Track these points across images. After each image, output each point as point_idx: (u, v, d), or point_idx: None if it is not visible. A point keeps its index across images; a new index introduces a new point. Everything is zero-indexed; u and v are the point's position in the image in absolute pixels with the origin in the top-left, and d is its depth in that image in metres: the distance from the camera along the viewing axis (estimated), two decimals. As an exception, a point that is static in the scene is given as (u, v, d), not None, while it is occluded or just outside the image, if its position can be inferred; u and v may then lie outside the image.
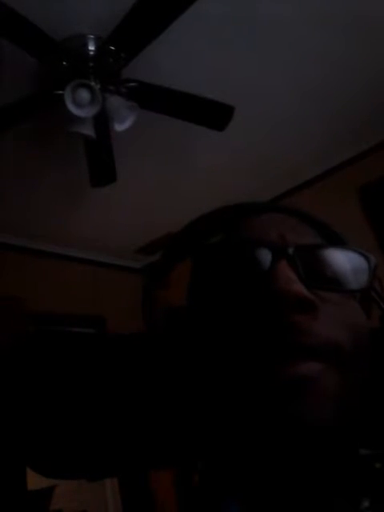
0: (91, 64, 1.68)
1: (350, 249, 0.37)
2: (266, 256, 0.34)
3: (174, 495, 2.54)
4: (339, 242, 0.42)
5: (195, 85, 1.91)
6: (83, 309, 3.05)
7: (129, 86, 1.77)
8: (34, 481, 2.11)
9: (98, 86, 1.66)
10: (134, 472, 0.48)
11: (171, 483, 2.59)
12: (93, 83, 1.63)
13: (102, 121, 1.82)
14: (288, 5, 1.71)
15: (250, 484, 0.35)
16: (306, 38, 1.88)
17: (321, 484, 0.33)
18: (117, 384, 0.41)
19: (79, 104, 1.60)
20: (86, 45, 1.67)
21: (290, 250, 0.34)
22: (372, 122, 2.51)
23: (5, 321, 2.33)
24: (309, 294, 0.32)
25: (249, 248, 0.36)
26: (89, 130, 1.72)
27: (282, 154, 2.64)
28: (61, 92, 1.63)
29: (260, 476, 0.34)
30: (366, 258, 0.36)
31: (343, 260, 0.36)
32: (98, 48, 1.67)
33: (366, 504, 0.32)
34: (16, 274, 2.76)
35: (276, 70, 2.03)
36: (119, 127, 1.78)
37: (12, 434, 0.41)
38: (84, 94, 1.59)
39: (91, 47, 1.68)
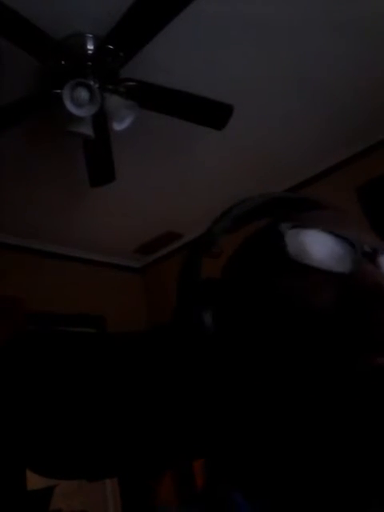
0: (90, 63, 1.68)
1: None
2: (348, 251, 0.35)
3: (173, 495, 2.54)
4: None
5: (194, 84, 1.91)
6: (83, 309, 3.05)
7: (128, 85, 1.77)
8: (34, 481, 2.11)
9: (97, 86, 1.66)
10: (134, 472, 0.48)
11: (171, 483, 2.59)
12: (91, 82, 1.63)
13: (101, 120, 1.82)
14: (287, 5, 1.70)
15: (259, 481, 0.35)
16: (305, 38, 1.88)
17: (333, 482, 0.33)
18: (117, 384, 0.41)
19: (78, 103, 1.59)
20: (84, 44, 1.67)
21: (373, 249, 0.35)
22: (370, 122, 2.51)
23: (5, 321, 2.33)
24: None
25: (338, 240, 0.35)
26: (88, 130, 1.72)
27: (280, 153, 2.64)
28: (59, 91, 1.63)
29: (270, 474, 0.34)
30: None
31: None
32: (96, 47, 1.66)
33: (374, 502, 0.32)
34: (16, 274, 2.76)
35: (274, 70, 2.02)
36: (118, 126, 1.78)
37: (11, 434, 0.41)
38: (83, 94, 1.59)
39: (90, 46, 1.67)
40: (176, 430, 0.38)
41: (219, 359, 0.36)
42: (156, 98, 1.84)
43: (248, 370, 0.35)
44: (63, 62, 1.67)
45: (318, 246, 0.35)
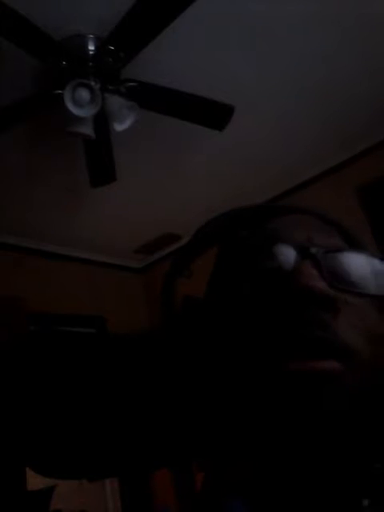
0: (91, 64, 1.68)
1: (372, 254, 0.38)
2: (291, 254, 0.35)
3: (173, 495, 2.54)
4: (360, 247, 0.43)
5: (195, 85, 1.91)
6: (83, 309, 3.05)
7: (128, 85, 1.77)
8: (34, 481, 2.11)
9: (98, 86, 1.66)
10: (134, 472, 0.48)
11: (171, 483, 2.59)
12: (92, 83, 1.63)
13: (102, 121, 1.82)
14: (288, 6, 1.71)
15: (254, 482, 0.35)
16: (305, 39, 1.88)
17: (323, 483, 0.33)
18: (117, 384, 0.41)
19: (79, 104, 1.60)
20: (85, 45, 1.67)
21: (315, 250, 0.35)
22: (371, 122, 2.51)
23: (5, 321, 2.33)
24: (332, 292, 0.33)
25: (275, 244, 0.37)
26: (88, 130, 1.72)
27: (281, 153, 2.64)
28: (60, 92, 1.63)
29: (265, 475, 0.35)
30: None
31: (365, 265, 0.37)
32: (97, 48, 1.67)
33: (365, 503, 0.32)
34: (16, 274, 2.76)
35: (275, 71, 2.03)
36: (119, 127, 1.78)
37: (12, 434, 0.41)
38: (84, 94, 1.59)
39: (91, 47, 1.68)
40: (174, 430, 0.39)
41: (199, 366, 0.38)
42: (157, 99, 1.84)
43: (219, 374, 0.36)
44: (64, 63, 1.67)
45: (270, 252, 0.37)
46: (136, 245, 3.43)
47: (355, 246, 0.42)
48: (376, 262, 0.37)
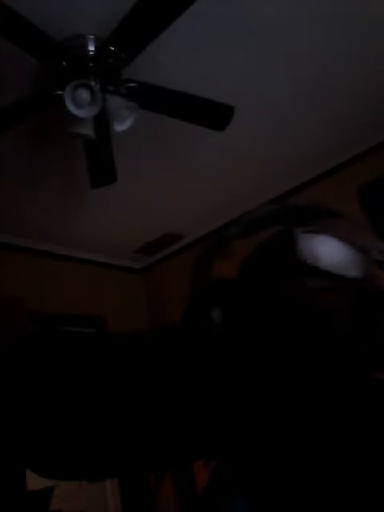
0: (91, 64, 1.68)
1: None
2: (359, 258, 0.36)
3: (173, 495, 2.53)
4: None
5: (195, 85, 1.91)
6: (83, 309, 3.05)
7: (129, 86, 1.77)
8: (34, 481, 2.11)
9: (98, 87, 1.66)
10: (134, 472, 0.48)
11: (171, 483, 2.59)
12: (93, 83, 1.63)
13: (102, 121, 1.82)
14: (288, 5, 1.71)
15: (256, 481, 0.35)
16: (306, 39, 1.88)
17: (326, 483, 0.33)
18: (117, 384, 0.41)
19: (79, 104, 1.60)
20: (85, 45, 1.67)
21: (378, 255, 0.36)
22: (371, 122, 2.51)
23: (5, 321, 2.33)
24: None
25: (350, 247, 0.37)
26: (89, 131, 1.72)
27: (281, 154, 2.64)
28: (61, 92, 1.63)
29: (266, 474, 0.34)
30: None
31: None
32: (97, 48, 1.67)
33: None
34: (16, 274, 2.76)
35: (276, 71, 2.03)
36: (119, 128, 1.78)
37: (12, 435, 0.41)
38: (84, 95, 1.59)
39: (91, 47, 1.68)
40: (176, 431, 0.38)
41: (226, 358, 0.36)
42: (157, 99, 1.84)
43: (253, 369, 0.35)
44: (64, 63, 1.67)
45: (330, 252, 0.36)
46: (136, 245, 3.43)
47: None
48: None
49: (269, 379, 0.34)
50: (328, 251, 0.36)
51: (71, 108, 1.59)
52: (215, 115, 1.93)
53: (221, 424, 0.36)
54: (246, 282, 0.40)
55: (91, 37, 1.67)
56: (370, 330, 0.32)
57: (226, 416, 0.36)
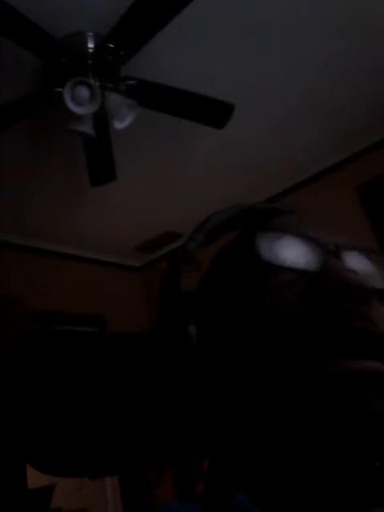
0: (90, 61, 1.68)
1: (375, 251, 0.39)
2: (315, 250, 0.36)
3: (174, 495, 2.54)
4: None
5: (195, 83, 1.90)
6: (83, 308, 3.05)
7: (128, 83, 1.77)
8: (35, 479, 2.11)
9: (98, 84, 1.66)
10: (135, 471, 0.48)
11: (171, 483, 2.60)
12: (92, 81, 1.62)
13: (102, 119, 1.82)
14: (287, 4, 1.70)
15: (259, 478, 0.35)
16: (304, 37, 1.88)
17: (329, 481, 0.33)
18: (117, 383, 0.41)
19: (78, 102, 1.59)
20: (85, 42, 1.67)
21: (336, 247, 0.36)
22: (370, 121, 2.51)
23: (6, 320, 2.33)
24: (369, 285, 0.34)
25: (305, 241, 0.37)
26: (88, 128, 1.72)
27: (280, 152, 2.64)
28: (60, 90, 1.63)
29: (270, 471, 0.34)
30: None
31: (375, 261, 0.38)
32: (97, 45, 1.66)
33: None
34: (16, 274, 2.76)
35: (275, 69, 2.02)
36: (119, 125, 1.78)
37: (13, 432, 0.41)
38: (83, 92, 1.59)
39: (91, 45, 1.67)
40: (173, 429, 0.39)
41: (204, 365, 0.37)
42: (157, 97, 1.84)
43: (230, 372, 0.36)
44: (64, 61, 1.67)
45: (287, 248, 0.37)
46: (136, 243, 3.43)
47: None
48: (380, 258, 0.38)
49: (245, 379, 0.35)
50: (284, 248, 0.37)
51: (71, 105, 1.59)
52: (215, 113, 1.93)
53: (209, 422, 0.37)
54: (212, 290, 0.41)
55: (90, 34, 1.67)
56: (331, 321, 0.32)
57: (212, 414, 0.36)
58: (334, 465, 0.33)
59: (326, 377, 0.31)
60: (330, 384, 0.31)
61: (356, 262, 0.37)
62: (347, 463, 0.33)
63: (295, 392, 0.32)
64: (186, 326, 0.38)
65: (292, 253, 0.36)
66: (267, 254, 0.37)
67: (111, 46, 1.61)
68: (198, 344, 0.38)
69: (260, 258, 0.37)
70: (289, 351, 0.33)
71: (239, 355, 0.35)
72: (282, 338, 0.33)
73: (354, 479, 0.33)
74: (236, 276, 0.39)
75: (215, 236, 0.44)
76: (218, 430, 0.37)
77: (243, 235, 0.42)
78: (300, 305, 0.34)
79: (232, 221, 0.44)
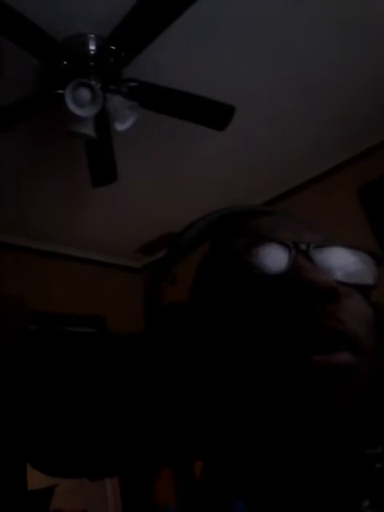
0: (92, 63, 1.68)
1: (358, 248, 0.39)
2: (283, 251, 0.36)
3: (174, 495, 2.54)
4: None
5: (196, 85, 1.91)
6: (83, 309, 3.05)
7: (129, 85, 1.77)
8: (35, 480, 2.11)
9: (99, 86, 1.66)
10: (135, 471, 0.48)
11: (171, 483, 2.59)
12: (93, 83, 1.63)
13: (103, 121, 1.82)
14: (288, 5, 1.71)
15: (255, 482, 0.35)
16: (305, 39, 1.88)
17: (325, 482, 0.33)
18: (117, 383, 0.41)
19: (80, 104, 1.60)
20: (86, 44, 1.67)
21: (304, 246, 0.36)
22: (371, 122, 2.51)
23: (5, 320, 2.33)
24: (335, 283, 0.34)
25: (266, 243, 0.37)
26: (89, 130, 1.72)
27: (281, 153, 2.64)
28: (61, 92, 1.63)
29: (265, 474, 0.35)
30: (374, 256, 0.39)
31: (354, 257, 0.38)
32: (98, 47, 1.67)
33: (366, 503, 0.32)
34: (16, 274, 2.76)
35: (276, 71, 2.03)
36: (120, 127, 1.78)
37: (13, 433, 0.41)
38: (85, 94, 1.59)
39: (92, 47, 1.68)
40: (175, 430, 0.39)
41: (192, 373, 0.37)
42: (158, 99, 1.84)
43: (214, 377, 0.36)
44: (65, 63, 1.67)
45: (259, 252, 0.37)
46: (137, 244, 3.43)
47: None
48: (362, 255, 0.38)
49: (227, 382, 0.36)
50: (255, 251, 0.37)
51: (72, 107, 1.59)
52: (216, 115, 1.93)
53: (204, 424, 0.37)
54: (194, 300, 0.42)
55: (92, 36, 1.67)
56: (299, 322, 0.33)
57: (206, 416, 0.37)
58: (320, 460, 0.33)
59: (301, 374, 0.32)
60: (306, 381, 0.32)
61: (331, 259, 0.37)
62: (333, 458, 0.33)
63: (273, 393, 0.33)
64: (174, 337, 0.39)
65: (262, 256, 0.37)
66: (239, 258, 0.37)
67: (113, 47, 1.61)
68: (188, 348, 0.38)
69: (233, 264, 0.37)
70: (261, 356, 0.33)
71: (219, 361, 0.36)
72: (254, 344, 0.34)
73: (342, 474, 0.33)
74: (212, 283, 0.39)
75: (191, 248, 0.44)
76: (212, 432, 0.37)
77: (218, 241, 0.42)
78: (270, 308, 0.34)
79: (204, 231, 0.44)
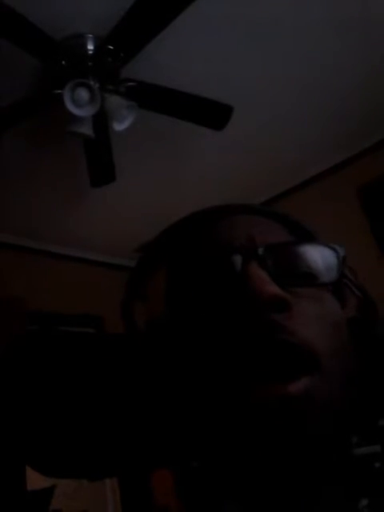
0: (90, 63, 1.68)
1: (318, 243, 0.37)
2: (236, 259, 0.34)
3: (174, 495, 2.53)
4: (310, 238, 0.42)
5: (194, 84, 1.91)
6: (82, 309, 3.05)
7: (128, 85, 1.77)
8: (34, 481, 2.11)
9: (97, 86, 1.66)
10: (134, 472, 0.48)
11: (171, 483, 2.59)
12: (92, 83, 1.63)
13: (101, 120, 1.82)
14: (287, 5, 1.71)
15: (247, 483, 0.35)
16: (304, 38, 1.88)
17: (319, 483, 0.33)
18: (116, 384, 0.41)
19: (78, 103, 1.59)
20: (85, 44, 1.67)
21: (260, 251, 0.34)
22: (371, 121, 2.51)
23: (5, 321, 2.33)
24: (282, 293, 0.32)
25: (218, 252, 0.36)
26: (88, 130, 1.72)
27: (281, 153, 2.64)
28: (60, 91, 1.63)
29: (257, 476, 0.34)
30: (334, 251, 0.36)
31: (313, 254, 0.36)
32: (96, 47, 1.67)
33: (364, 503, 0.32)
34: (16, 274, 2.76)
35: (275, 70, 2.03)
36: (118, 127, 1.78)
37: (13, 433, 0.41)
38: (83, 94, 1.59)
39: (90, 46, 1.67)
40: (173, 430, 0.39)
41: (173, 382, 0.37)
42: (156, 99, 1.84)
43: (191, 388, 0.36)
44: (63, 63, 1.67)
45: (213, 261, 0.36)
46: (136, 244, 3.42)
47: (304, 237, 0.42)
48: (323, 250, 0.37)
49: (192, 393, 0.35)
50: (210, 261, 0.36)
51: (70, 107, 1.59)
52: (214, 114, 1.93)
53: (197, 426, 0.37)
54: (166, 315, 0.41)
55: (90, 36, 1.67)
56: (249, 336, 0.31)
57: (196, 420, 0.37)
58: (312, 464, 0.33)
59: (256, 405, 0.30)
60: (262, 412, 0.30)
61: (288, 259, 0.35)
62: (325, 461, 0.33)
63: (230, 420, 0.32)
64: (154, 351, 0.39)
65: (215, 266, 0.35)
66: (192, 269, 0.36)
67: (111, 47, 1.61)
68: (164, 367, 0.38)
69: (188, 275, 0.36)
70: (214, 375, 0.32)
71: (188, 377, 0.35)
72: (206, 359, 0.33)
73: (337, 474, 0.33)
74: (174, 297, 0.38)
75: (152, 268, 0.43)
76: (204, 436, 0.37)
77: (174, 253, 0.41)
78: (220, 322, 0.33)
79: (161, 250, 0.44)
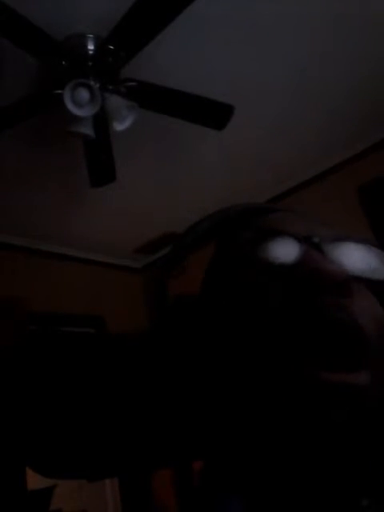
0: (90, 63, 1.68)
1: (373, 243, 0.38)
2: (295, 244, 0.35)
3: (174, 495, 2.54)
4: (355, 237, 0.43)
5: (195, 84, 1.91)
6: (83, 309, 3.05)
7: (128, 85, 1.77)
8: (34, 481, 2.11)
9: (98, 86, 1.66)
10: (134, 472, 0.48)
11: (171, 483, 2.59)
12: (92, 83, 1.63)
13: (102, 120, 1.82)
14: (287, 5, 1.71)
15: (251, 482, 0.35)
16: (304, 38, 1.88)
17: (323, 483, 0.33)
18: (116, 384, 0.41)
19: (78, 104, 1.59)
20: (85, 44, 1.67)
21: (317, 239, 0.35)
22: (371, 122, 2.51)
23: (6, 321, 2.33)
24: (346, 275, 0.32)
25: (279, 236, 0.36)
26: (88, 130, 1.72)
27: (281, 153, 2.64)
28: (60, 92, 1.63)
29: (262, 475, 0.34)
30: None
31: (368, 253, 0.37)
32: (97, 47, 1.67)
33: (365, 503, 0.32)
34: (16, 274, 2.76)
35: (275, 70, 2.03)
36: (119, 127, 1.78)
37: (12, 434, 0.41)
38: (83, 94, 1.59)
39: (90, 46, 1.67)
40: (174, 430, 0.39)
41: (201, 365, 0.37)
42: (156, 99, 1.84)
43: (221, 374, 0.35)
44: (64, 63, 1.67)
45: (268, 245, 0.36)
46: (136, 244, 3.43)
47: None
48: (375, 250, 0.37)
49: (234, 382, 0.34)
50: (264, 245, 0.36)
51: (71, 107, 1.59)
52: (215, 114, 1.93)
53: (206, 424, 0.37)
54: (204, 293, 0.41)
55: (90, 36, 1.67)
56: (308, 314, 0.31)
57: (208, 416, 0.36)
58: (318, 461, 0.33)
59: (315, 389, 0.30)
60: (322, 394, 0.30)
61: (345, 254, 0.35)
62: (331, 459, 0.33)
63: (282, 400, 0.31)
64: (181, 329, 0.38)
65: (272, 249, 0.36)
66: (248, 252, 0.37)
67: (111, 47, 1.61)
68: (194, 345, 0.38)
69: (242, 257, 0.37)
70: (273, 355, 0.32)
71: (228, 358, 0.35)
72: (265, 340, 0.32)
73: (340, 473, 0.33)
74: (221, 277, 0.38)
75: (199, 243, 0.43)
76: (214, 433, 0.37)
77: (226, 237, 0.42)
78: (278, 303, 0.33)
79: (214, 228, 0.44)
